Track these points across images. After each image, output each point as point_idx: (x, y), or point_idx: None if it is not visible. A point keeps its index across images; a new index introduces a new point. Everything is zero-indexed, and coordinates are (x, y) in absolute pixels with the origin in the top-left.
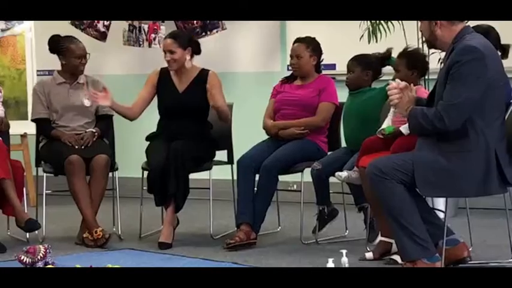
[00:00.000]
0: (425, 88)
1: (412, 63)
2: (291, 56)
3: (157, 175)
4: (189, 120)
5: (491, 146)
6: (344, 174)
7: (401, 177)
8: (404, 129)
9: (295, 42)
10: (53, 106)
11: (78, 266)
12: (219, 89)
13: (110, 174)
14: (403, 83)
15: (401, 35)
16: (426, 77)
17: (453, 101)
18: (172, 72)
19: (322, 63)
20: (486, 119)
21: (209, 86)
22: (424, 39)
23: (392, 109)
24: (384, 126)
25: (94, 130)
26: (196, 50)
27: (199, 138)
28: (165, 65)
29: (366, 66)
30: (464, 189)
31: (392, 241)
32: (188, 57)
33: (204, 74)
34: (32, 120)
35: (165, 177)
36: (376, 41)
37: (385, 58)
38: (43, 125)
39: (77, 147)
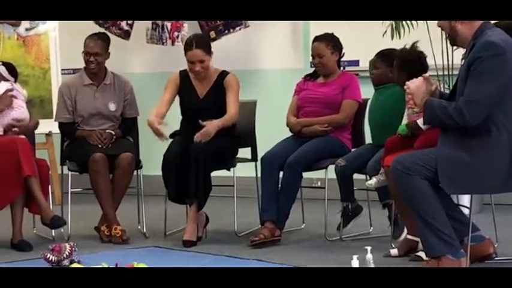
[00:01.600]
0: (447, 84)
1: (402, 65)
2: (313, 56)
3: (171, 167)
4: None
5: None
6: (373, 180)
7: (425, 172)
8: (421, 122)
9: (314, 41)
10: (77, 110)
11: (104, 263)
12: (235, 94)
13: (135, 172)
14: (426, 75)
15: (425, 30)
16: (450, 73)
17: (474, 97)
18: (192, 76)
19: (344, 59)
20: (508, 114)
21: (226, 89)
22: (446, 35)
23: (406, 110)
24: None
25: (113, 132)
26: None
27: (221, 135)
28: (185, 65)
29: (392, 63)
30: (488, 186)
31: (419, 240)
32: (212, 62)
33: (223, 76)
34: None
35: (179, 172)
36: (400, 37)
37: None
38: (66, 128)
39: (100, 146)
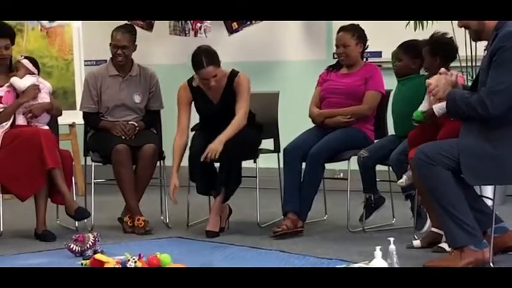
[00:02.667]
0: (470, 76)
1: (435, 50)
2: (337, 46)
3: (196, 162)
4: (227, 123)
5: None
6: (404, 178)
7: (448, 163)
8: (436, 108)
9: (339, 31)
10: (102, 101)
11: (127, 254)
12: (244, 98)
13: (158, 163)
14: (443, 69)
15: (448, 22)
16: (473, 64)
17: (496, 88)
18: (202, 86)
19: (367, 50)
20: None
21: (236, 91)
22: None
23: (426, 96)
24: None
25: (136, 124)
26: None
27: (244, 128)
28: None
29: (414, 55)
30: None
31: (443, 233)
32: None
33: (233, 77)
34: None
35: (205, 165)
36: (422, 29)
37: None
38: (91, 118)
39: (123, 137)
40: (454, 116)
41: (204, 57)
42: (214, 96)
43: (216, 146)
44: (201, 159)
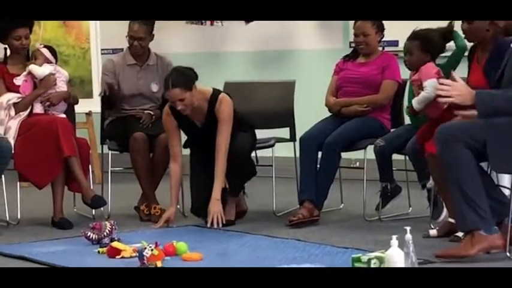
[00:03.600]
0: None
1: (425, 46)
2: (356, 35)
3: (200, 213)
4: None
5: None
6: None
7: (471, 143)
8: (415, 102)
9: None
10: (120, 89)
11: (144, 242)
12: (223, 123)
13: None
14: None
15: None
16: None
17: None
18: None
19: (384, 39)
20: None
21: (217, 116)
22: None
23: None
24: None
25: (152, 113)
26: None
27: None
28: (224, 46)
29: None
30: None
31: None
32: (196, 94)
33: (214, 99)
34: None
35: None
36: None
37: (447, 33)
38: (109, 96)
39: (140, 124)
40: (487, 116)
41: (173, 78)
42: (197, 119)
43: (216, 209)
44: (208, 226)
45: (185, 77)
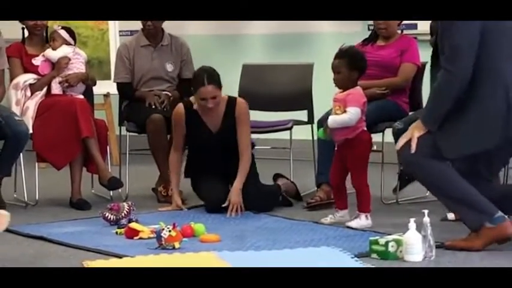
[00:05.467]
0: None
1: (353, 64)
2: None
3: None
4: (228, 151)
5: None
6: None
7: (431, 151)
8: (332, 120)
9: None
10: (135, 71)
11: (161, 223)
12: (246, 128)
13: None
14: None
15: None
16: None
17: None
18: (201, 110)
19: (403, 22)
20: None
21: (237, 119)
22: None
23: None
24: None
25: (170, 93)
26: None
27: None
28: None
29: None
30: (484, 141)
31: None
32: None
33: (232, 104)
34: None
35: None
36: None
37: None
38: (125, 89)
39: (157, 107)
40: (437, 124)
41: (206, 75)
42: (212, 124)
43: (236, 199)
44: (227, 216)
45: (217, 75)
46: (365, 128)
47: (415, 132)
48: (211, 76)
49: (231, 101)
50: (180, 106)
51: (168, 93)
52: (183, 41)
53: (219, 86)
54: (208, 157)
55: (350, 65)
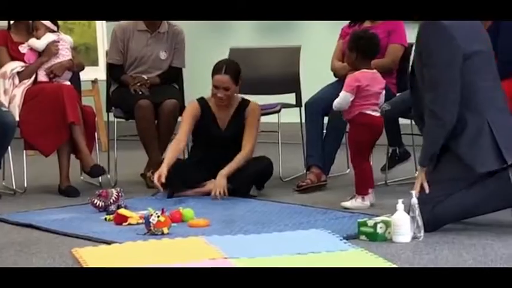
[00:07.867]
0: None
1: (350, 43)
2: None
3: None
4: (231, 151)
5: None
6: None
7: (439, 196)
8: (335, 103)
9: None
10: (128, 55)
11: (150, 209)
12: (254, 128)
13: (179, 118)
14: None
15: None
16: None
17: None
18: (213, 104)
19: None
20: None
21: (246, 120)
22: None
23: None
24: None
25: (146, 77)
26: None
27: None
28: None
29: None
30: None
31: None
32: (237, 91)
33: (244, 105)
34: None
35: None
36: None
37: None
38: (114, 70)
39: (141, 93)
40: (432, 163)
41: (227, 64)
42: (222, 120)
43: (221, 182)
44: (211, 199)
45: (238, 70)
46: (367, 112)
47: (420, 176)
48: (230, 68)
49: (244, 102)
50: (195, 102)
51: (144, 76)
52: (181, 29)
53: (235, 80)
54: (211, 152)
55: (348, 45)
